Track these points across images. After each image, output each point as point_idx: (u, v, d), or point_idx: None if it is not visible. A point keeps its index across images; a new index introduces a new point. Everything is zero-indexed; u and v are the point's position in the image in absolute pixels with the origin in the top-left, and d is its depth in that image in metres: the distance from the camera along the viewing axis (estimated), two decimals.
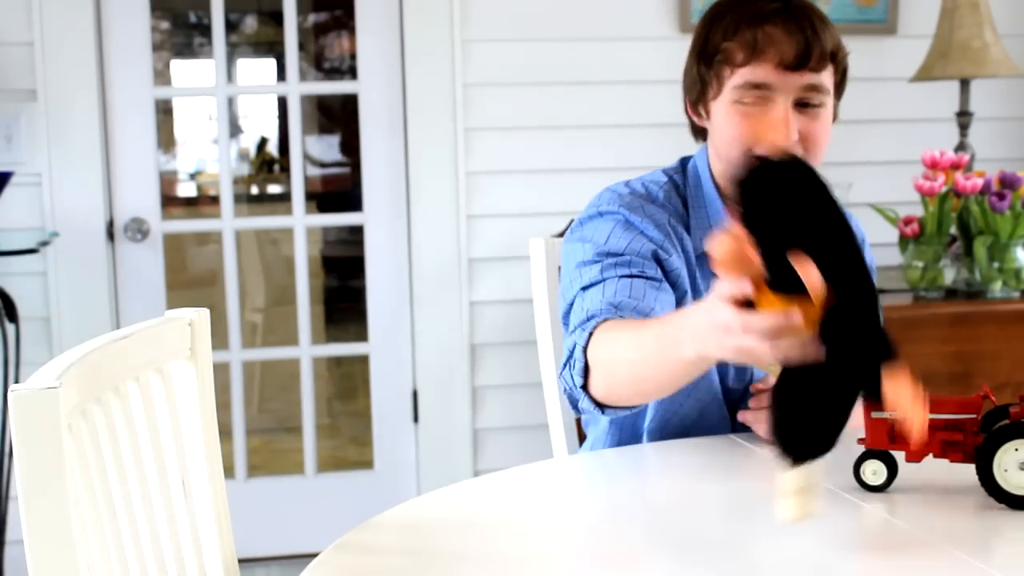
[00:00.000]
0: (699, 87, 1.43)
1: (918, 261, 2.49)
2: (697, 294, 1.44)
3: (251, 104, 6.68)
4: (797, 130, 1.36)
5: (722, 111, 1.40)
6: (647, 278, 1.35)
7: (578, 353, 1.25)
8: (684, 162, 1.53)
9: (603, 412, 1.28)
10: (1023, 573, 0.96)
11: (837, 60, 1.39)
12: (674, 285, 1.41)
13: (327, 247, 5.47)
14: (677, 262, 1.41)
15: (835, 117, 1.45)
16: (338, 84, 6.03)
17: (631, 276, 1.34)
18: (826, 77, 1.38)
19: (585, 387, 1.26)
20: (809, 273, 0.86)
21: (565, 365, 1.30)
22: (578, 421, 1.75)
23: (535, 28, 2.80)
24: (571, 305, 1.38)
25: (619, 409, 1.28)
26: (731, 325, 0.92)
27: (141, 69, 2.75)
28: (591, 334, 1.25)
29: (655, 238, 1.40)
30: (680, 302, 1.41)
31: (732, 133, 1.39)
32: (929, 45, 2.76)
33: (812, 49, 1.34)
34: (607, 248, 1.39)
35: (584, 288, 1.36)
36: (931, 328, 2.43)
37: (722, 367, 1.48)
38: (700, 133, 1.51)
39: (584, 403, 1.28)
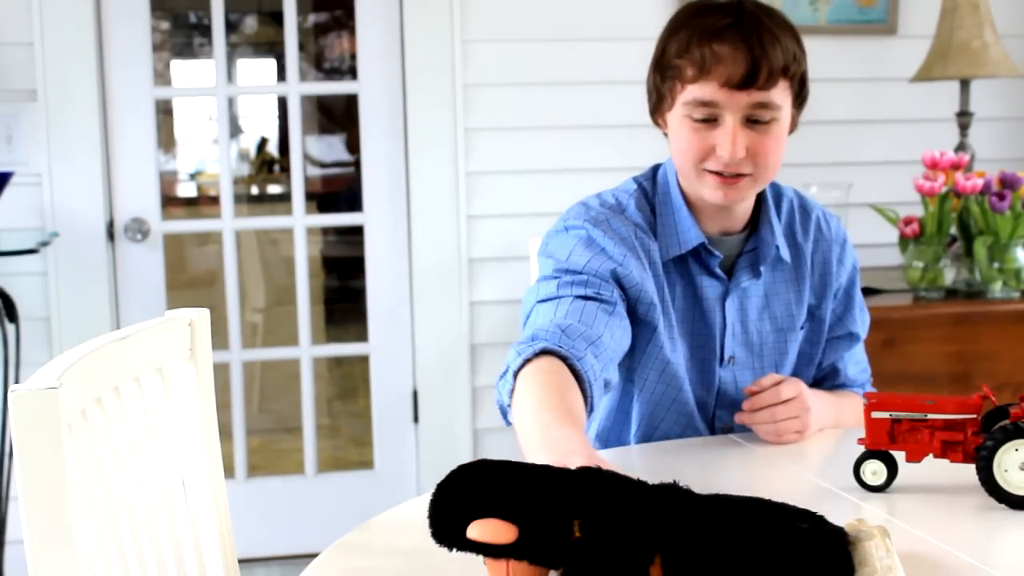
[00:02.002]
0: (656, 98, 1.48)
1: (918, 261, 2.49)
2: (664, 303, 1.46)
3: (251, 104, 6.68)
4: (744, 147, 1.38)
5: (675, 124, 1.44)
6: (601, 301, 1.37)
7: (510, 376, 1.25)
8: (656, 169, 1.56)
9: None
10: (1023, 573, 0.96)
11: (790, 74, 1.39)
12: (637, 300, 1.43)
13: (327, 247, 5.47)
14: (639, 276, 1.43)
15: (794, 127, 1.46)
16: (338, 84, 6.03)
17: (585, 297, 1.36)
18: (777, 94, 1.38)
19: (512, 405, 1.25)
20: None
21: (502, 376, 1.28)
22: None
23: (535, 28, 2.80)
24: (528, 316, 1.41)
25: None
26: None
27: (141, 69, 2.75)
28: (526, 361, 1.23)
29: (615, 256, 1.42)
30: (648, 313, 1.44)
31: (682, 146, 1.42)
32: (929, 45, 2.76)
33: (759, 69, 1.35)
34: (567, 265, 1.42)
35: (540, 301, 1.39)
36: (931, 328, 2.43)
37: (691, 380, 1.50)
38: None
39: (511, 418, 1.26)
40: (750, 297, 1.51)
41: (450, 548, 0.87)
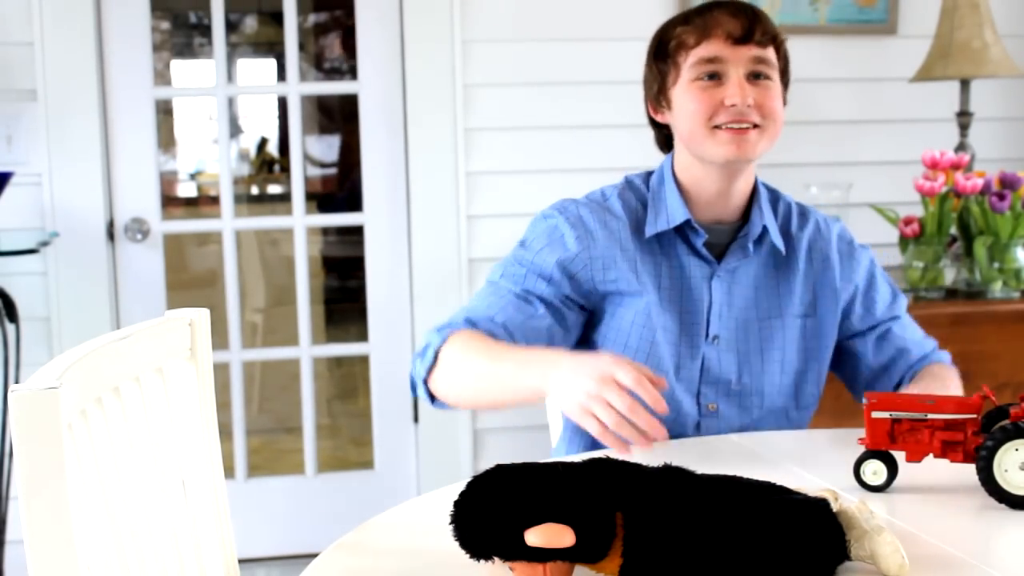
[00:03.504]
0: (659, 80, 1.56)
1: (918, 261, 2.49)
2: (642, 282, 1.52)
3: (251, 104, 6.68)
4: (752, 97, 1.47)
5: (681, 93, 1.52)
6: (527, 301, 1.50)
7: (430, 352, 1.45)
8: (650, 171, 1.63)
9: (432, 404, 1.49)
10: (1023, 573, 0.96)
11: (779, 45, 1.52)
12: (591, 289, 1.53)
13: (327, 247, 5.47)
14: (588, 268, 1.51)
15: (784, 103, 1.55)
16: (338, 84, 6.03)
17: (515, 294, 1.51)
18: (771, 55, 1.51)
19: (427, 380, 1.46)
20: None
21: (421, 355, 1.47)
22: None
23: (535, 28, 2.80)
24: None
25: (449, 407, 1.50)
26: (602, 377, 1.16)
27: (141, 69, 2.75)
28: (447, 339, 1.44)
29: (568, 244, 1.52)
30: (605, 299, 1.54)
31: (691, 108, 1.49)
32: (929, 45, 2.76)
33: (755, 26, 1.49)
34: (523, 251, 1.55)
35: (489, 282, 1.56)
36: (931, 328, 2.41)
37: (673, 357, 1.54)
38: (665, 144, 1.62)
39: (421, 391, 1.48)
40: (738, 282, 1.55)
41: (489, 559, 0.86)
